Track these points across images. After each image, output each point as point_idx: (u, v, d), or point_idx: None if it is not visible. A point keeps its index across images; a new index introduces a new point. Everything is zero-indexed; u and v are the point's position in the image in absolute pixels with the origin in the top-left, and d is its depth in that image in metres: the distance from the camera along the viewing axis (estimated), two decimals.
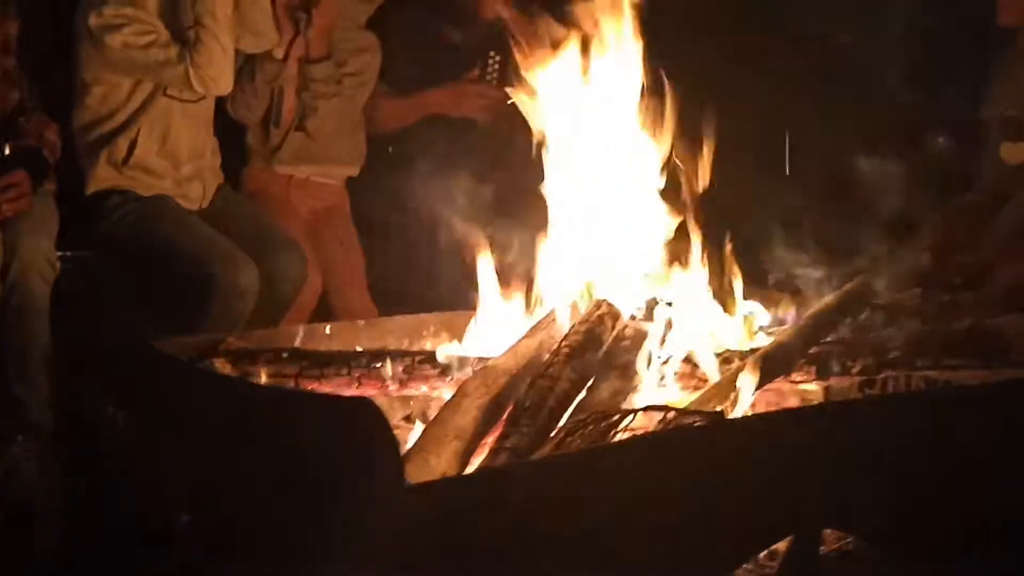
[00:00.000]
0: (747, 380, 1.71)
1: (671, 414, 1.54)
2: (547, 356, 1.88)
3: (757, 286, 2.34)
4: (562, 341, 1.89)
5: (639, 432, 1.67)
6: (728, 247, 2.27)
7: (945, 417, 1.72)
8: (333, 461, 1.25)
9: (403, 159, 3.47)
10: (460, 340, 2.26)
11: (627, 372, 1.85)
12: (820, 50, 3.60)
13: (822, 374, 1.94)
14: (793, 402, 1.99)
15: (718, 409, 1.64)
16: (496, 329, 2.16)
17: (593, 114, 2.18)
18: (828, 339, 2.00)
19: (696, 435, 1.51)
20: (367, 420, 1.23)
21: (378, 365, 1.97)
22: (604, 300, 1.94)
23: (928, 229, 3.44)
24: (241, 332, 2.64)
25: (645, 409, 1.60)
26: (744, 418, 1.67)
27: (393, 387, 1.97)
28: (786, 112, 3.51)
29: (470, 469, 1.73)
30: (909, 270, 2.23)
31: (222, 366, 1.94)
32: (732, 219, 2.37)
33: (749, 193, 2.92)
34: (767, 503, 1.53)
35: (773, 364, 1.81)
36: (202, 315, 3.01)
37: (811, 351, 1.96)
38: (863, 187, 3.03)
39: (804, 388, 1.96)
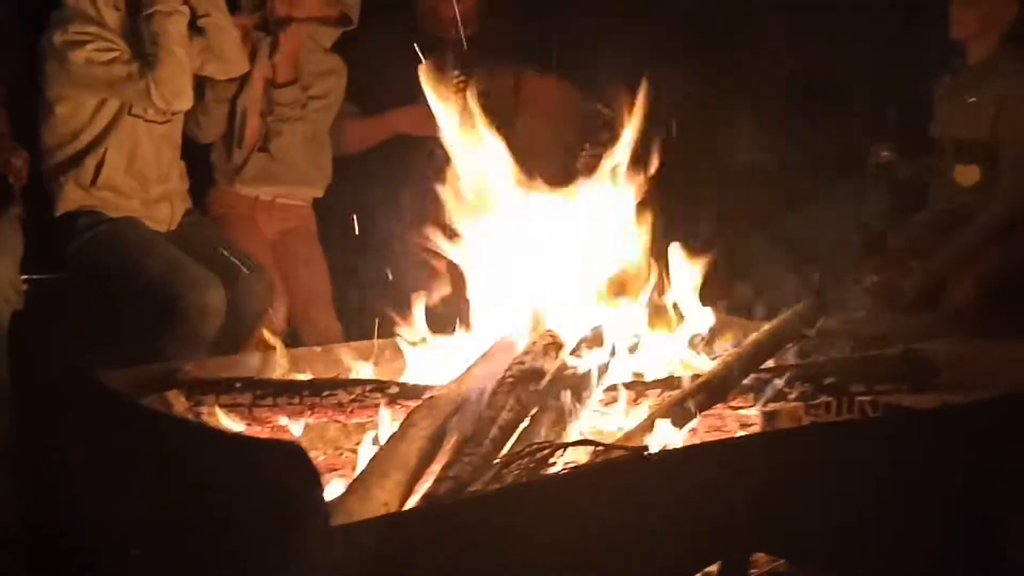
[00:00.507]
0: (680, 411, 1.77)
1: (599, 448, 1.60)
2: (492, 386, 1.95)
3: (711, 308, 2.40)
4: (506, 371, 1.95)
5: (575, 463, 1.74)
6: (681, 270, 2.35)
7: (869, 443, 1.78)
8: (257, 504, 1.30)
9: (364, 179, 3.54)
10: (417, 365, 2.32)
11: (569, 402, 1.91)
12: (772, 69, 3.65)
13: (760, 400, 2.01)
14: (733, 427, 2.06)
15: (643, 442, 1.70)
16: (450, 356, 2.21)
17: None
18: (767, 365, 2.06)
19: (623, 468, 1.56)
20: (289, 464, 1.27)
21: (327, 394, 2.02)
22: (548, 331, 2.00)
23: (882, 249, 3.53)
24: (202, 357, 2.72)
25: (576, 443, 1.66)
26: (665, 451, 1.72)
27: (343, 416, 2.03)
28: (738, 129, 3.56)
29: (414, 498, 1.79)
30: (855, 294, 2.29)
31: (175, 397, 1.99)
32: (683, 240, 2.44)
33: (701, 213, 2.98)
34: (695, 530, 1.59)
35: (710, 392, 1.87)
36: (169, 336, 3.05)
37: (750, 377, 2.02)
38: (817, 206, 3.11)
39: (744, 413, 2.03)
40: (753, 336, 2.06)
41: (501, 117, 3.10)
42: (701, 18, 3.63)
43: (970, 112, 3.64)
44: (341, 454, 2.22)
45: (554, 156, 3.39)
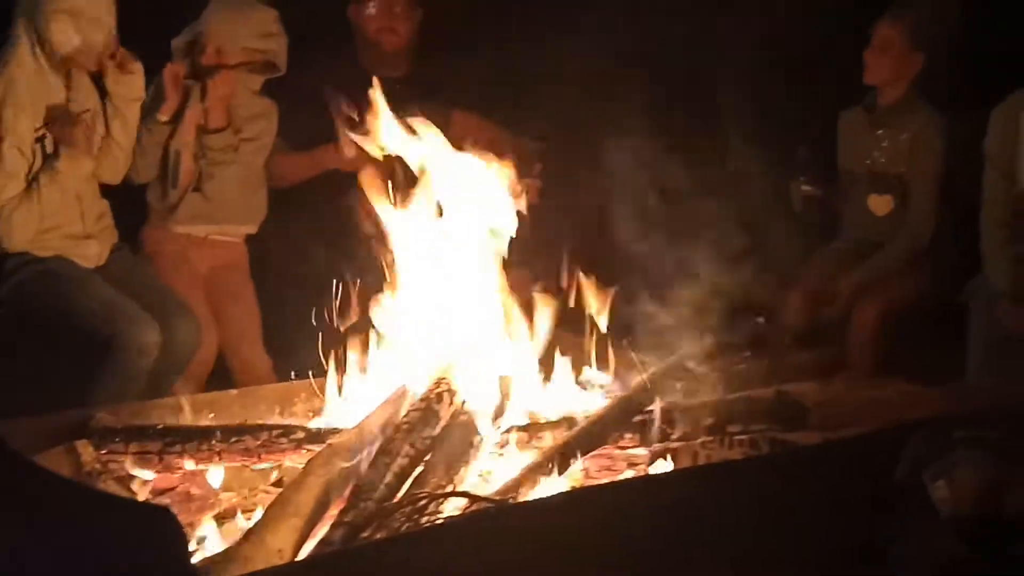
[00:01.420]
0: (560, 457, 1.89)
1: (467, 500, 1.70)
2: (389, 432, 2.05)
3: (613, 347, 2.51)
4: (403, 418, 2.06)
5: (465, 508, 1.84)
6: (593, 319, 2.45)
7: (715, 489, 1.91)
8: (121, 568, 1.36)
9: (297, 214, 3.63)
10: (329, 408, 2.42)
11: (462, 447, 2.02)
12: (683, 97, 3.76)
13: (645, 440, 2.12)
14: (621, 467, 2.18)
15: (523, 489, 1.80)
16: (360, 400, 2.31)
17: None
18: (651, 407, 2.18)
19: (486, 518, 1.67)
20: (155, 526, 1.34)
21: (235, 440, 2.11)
22: (443, 377, 2.10)
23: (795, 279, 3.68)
24: (136, 396, 2.79)
25: (447, 495, 1.77)
26: (528, 502, 1.82)
27: (251, 461, 2.12)
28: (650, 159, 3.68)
29: (311, 544, 1.88)
30: (743, 334, 2.41)
31: (83, 447, 2.07)
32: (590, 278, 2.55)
33: (605, 248, 3.09)
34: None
35: (590, 438, 1.99)
36: (104, 373, 3.12)
37: (637, 419, 2.14)
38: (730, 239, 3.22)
39: (632, 452, 2.14)
40: (637, 379, 2.18)
41: None
42: (632, 57, 3.75)
43: (885, 147, 3.84)
44: (256, 495, 2.31)
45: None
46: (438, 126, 3.67)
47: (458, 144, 3.67)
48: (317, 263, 3.26)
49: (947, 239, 3.74)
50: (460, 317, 2.22)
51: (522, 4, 3.93)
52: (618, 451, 2.14)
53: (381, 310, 2.30)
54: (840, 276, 3.73)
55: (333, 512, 1.95)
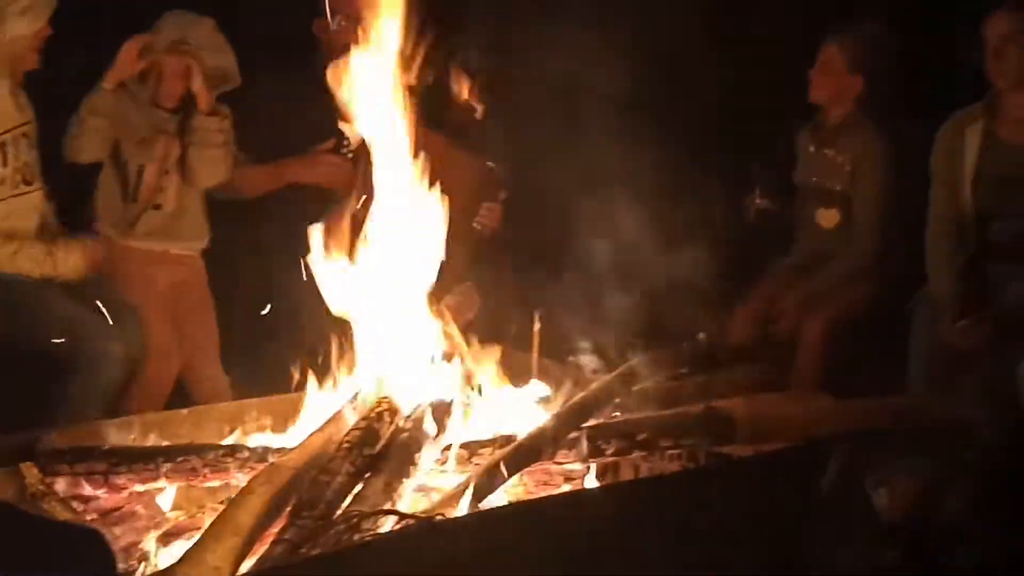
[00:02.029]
0: (495, 473, 1.95)
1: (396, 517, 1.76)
2: (330, 451, 2.11)
3: (557, 363, 2.58)
4: (344, 437, 2.11)
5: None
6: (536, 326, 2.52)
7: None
8: None
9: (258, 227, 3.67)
10: (280, 426, 2.47)
11: (402, 465, 2.08)
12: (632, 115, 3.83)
13: (580, 456, 2.19)
14: (559, 481, 2.24)
15: (458, 506, 1.86)
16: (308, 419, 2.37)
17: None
18: (589, 423, 2.24)
19: (413, 534, 1.73)
20: (84, 547, 1.39)
21: (180, 459, 2.16)
22: (385, 396, 2.16)
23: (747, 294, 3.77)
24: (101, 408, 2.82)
25: (377, 513, 1.83)
26: (451, 517, 1.88)
27: (197, 481, 2.17)
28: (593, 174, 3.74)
29: (250, 562, 1.94)
30: (683, 351, 2.48)
31: (27, 470, 2.11)
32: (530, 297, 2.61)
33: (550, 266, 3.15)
34: None
35: (525, 454, 2.05)
36: (70, 390, 3.15)
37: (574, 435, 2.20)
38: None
39: (569, 468, 2.21)
40: (576, 397, 2.24)
41: None
42: (583, 80, 3.81)
43: (830, 164, 3.94)
44: (204, 513, 2.36)
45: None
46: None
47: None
48: (271, 280, 3.31)
49: (894, 252, 3.85)
50: (403, 336, 2.29)
51: (489, 22, 3.99)
52: (555, 466, 2.21)
53: (329, 329, 2.36)
54: (789, 291, 3.83)
55: (274, 530, 2.01)
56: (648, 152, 3.47)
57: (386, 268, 2.29)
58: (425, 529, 1.72)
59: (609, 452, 2.18)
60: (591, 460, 2.18)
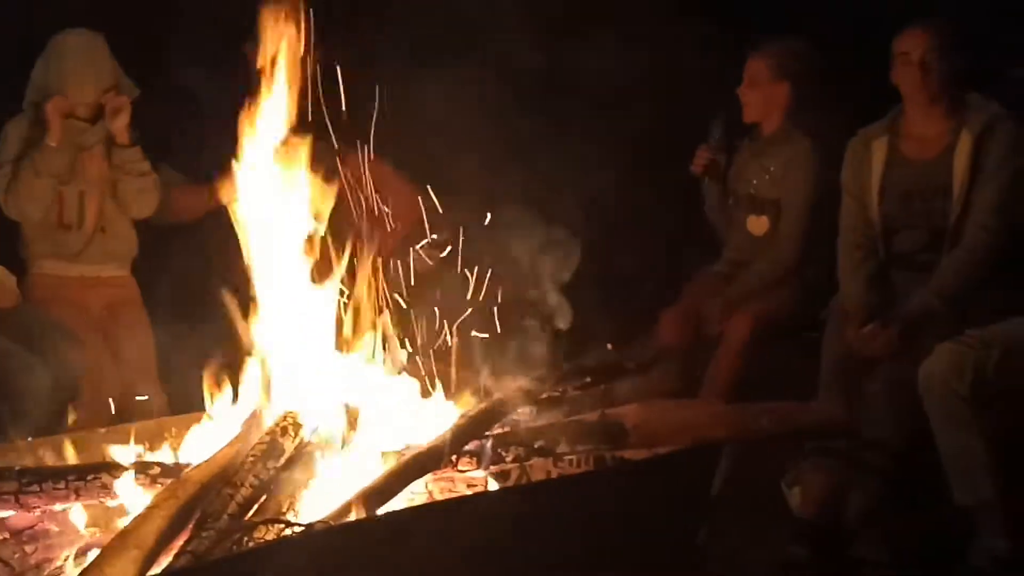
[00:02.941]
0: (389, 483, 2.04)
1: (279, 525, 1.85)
2: (236, 464, 2.18)
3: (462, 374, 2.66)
4: (249, 451, 2.19)
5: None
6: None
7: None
8: None
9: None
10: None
11: (304, 476, 2.16)
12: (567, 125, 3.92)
13: (481, 463, 2.28)
14: (462, 488, 2.33)
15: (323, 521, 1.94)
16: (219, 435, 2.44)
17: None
18: (490, 432, 2.34)
19: (288, 544, 1.82)
20: None
21: (92, 477, 2.23)
22: (290, 411, 2.24)
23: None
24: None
25: (262, 522, 1.91)
26: (328, 524, 1.97)
27: (109, 498, 2.23)
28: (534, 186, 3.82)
29: (153, 573, 2.00)
30: (591, 361, 2.58)
31: None
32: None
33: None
34: None
35: (424, 463, 2.14)
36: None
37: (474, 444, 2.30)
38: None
39: (470, 475, 2.30)
40: (477, 408, 2.34)
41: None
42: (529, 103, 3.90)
43: (763, 174, 4.08)
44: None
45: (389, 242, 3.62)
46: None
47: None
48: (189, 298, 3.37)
49: (818, 261, 3.98)
50: (310, 354, 2.37)
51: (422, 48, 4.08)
52: (457, 473, 2.30)
53: (241, 348, 2.44)
54: (715, 296, 3.95)
55: (179, 543, 2.08)
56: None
57: (294, 288, 2.38)
58: (303, 536, 1.81)
59: (509, 459, 2.28)
60: (492, 467, 2.28)
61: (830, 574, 3.09)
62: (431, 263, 3.49)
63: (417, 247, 3.65)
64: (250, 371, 2.45)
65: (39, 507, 2.20)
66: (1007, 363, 3.19)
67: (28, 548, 2.15)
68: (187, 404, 2.96)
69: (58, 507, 2.23)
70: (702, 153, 4.12)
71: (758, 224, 4.12)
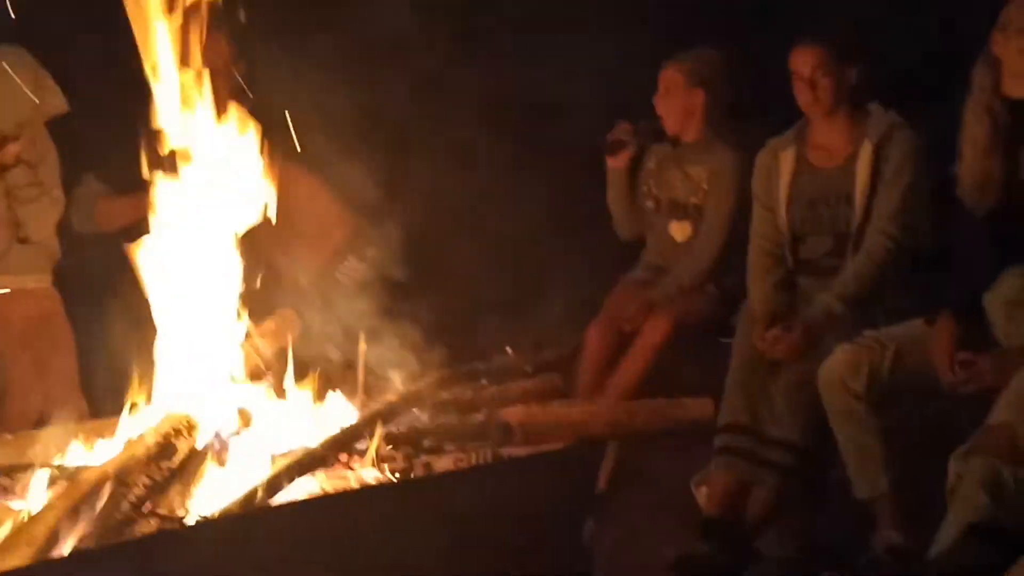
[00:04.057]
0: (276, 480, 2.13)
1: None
2: (131, 465, 2.27)
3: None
4: (143, 452, 2.28)
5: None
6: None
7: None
8: None
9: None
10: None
11: (195, 475, 2.25)
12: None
13: (372, 461, 2.38)
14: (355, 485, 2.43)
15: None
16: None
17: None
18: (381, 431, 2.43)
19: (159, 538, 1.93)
20: None
21: None
22: (183, 414, 2.34)
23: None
24: None
25: (147, 516, 2.00)
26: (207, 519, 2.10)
27: (8, 500, 2.31)
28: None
29: None
30: (489, 364, 2.69)
31: None
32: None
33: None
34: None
35: (310, 461, 2.24)
36: None
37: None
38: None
39: (362, 473, 2.40)
40: (370, 409, 2.44)
41: None
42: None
43: (687, 180, 4.20)
44: None
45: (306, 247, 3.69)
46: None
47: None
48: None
49: (733, 268, 4.10)
50: (208, 359, 2.47)
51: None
52: (350, 472, 2.39)
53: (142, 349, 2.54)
54: (635, 300, 4.07)
55: (74, 537, 2.16)
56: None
57: (191, 295, 2.47)
58: (175, 530, 1.91)
59: (399, 457, 2.38)
60: (382, 465, 2.38)
61: (731, 568, 3.21)
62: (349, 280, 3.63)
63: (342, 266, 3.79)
64: (154, 378, 2.54)
65: None
66: (901, 363, 3.33)
67: None
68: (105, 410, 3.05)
69: None
70: (624, 127, 4.20)
71: (680, 230, 4.24)
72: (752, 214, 3.93)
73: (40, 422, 3.50)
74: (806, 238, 3.83)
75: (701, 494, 3.55)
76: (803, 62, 3.76)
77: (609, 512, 2.64)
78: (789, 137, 3.90)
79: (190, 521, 2.04)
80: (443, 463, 2.46)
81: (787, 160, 3.86)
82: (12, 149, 3.53)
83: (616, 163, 4.21)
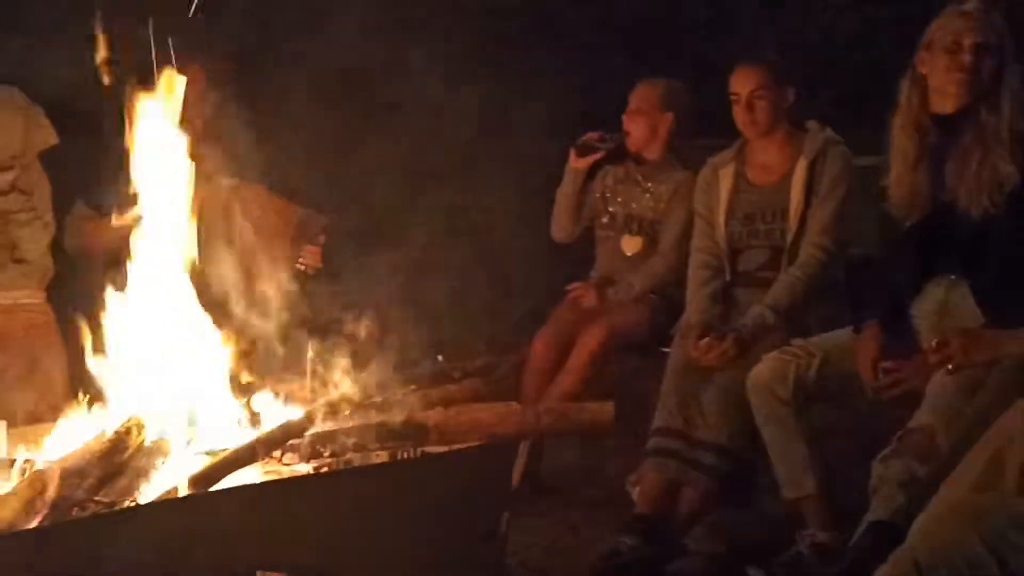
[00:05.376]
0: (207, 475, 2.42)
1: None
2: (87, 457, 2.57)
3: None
4: (97, 448, 2.57)
5: None
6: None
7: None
8: None
9: None
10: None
11: (143, 469, 2.54)
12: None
13: (304, 457, 2.66)
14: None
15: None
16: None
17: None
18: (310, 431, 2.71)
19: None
20: None
21: None
22: (134, 415, 2.62)
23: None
24: None
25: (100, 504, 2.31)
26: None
27: None
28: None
29: None
30: (420, 370, 2.95)
31: None
32: None
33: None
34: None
35: (243, 456, 2.51)
36: None
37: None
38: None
39: (294, 468, 2.67)
40: (304, 409, 2.71)
41: (215, 224, 3.74)
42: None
43: (647, 197, 4.44)
44: None
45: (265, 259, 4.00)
46: (223, 199, 4.22)
47: (241, 214, 4.24)
48: None
49: (678, 281, 4.33)
50: (163, 362, 2.76)
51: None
52: (284, 466, 2.67)
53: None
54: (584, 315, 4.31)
55: (33, 523, 2.46)
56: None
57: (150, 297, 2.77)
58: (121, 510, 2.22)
59: (326, 454, 2.65)
60: (311, 460, 2.66)
61: (655, 561, 3.44)
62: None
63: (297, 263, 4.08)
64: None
65: None
66: (827, 369, 3.54)
67: None
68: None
69: None
70: (593, 136, 4.43)
71: (631, 243, 4.49)
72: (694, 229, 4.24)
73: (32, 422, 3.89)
74: (744, 251, 4.09)
75: (634, 494, 3.80)
76: (742, 83, 4.01)
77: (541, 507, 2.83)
78: (728, 155, 4.15)
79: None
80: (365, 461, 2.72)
81: (726, 177, 4.11)
82: (6, 178, 3.89)
83: (580, 164, 4.46)
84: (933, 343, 3.04)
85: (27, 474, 2.65)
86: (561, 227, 4.53)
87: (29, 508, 2.44)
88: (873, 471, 3.13)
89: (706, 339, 3.77)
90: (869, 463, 3.09)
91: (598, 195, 4.51)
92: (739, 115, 3.98)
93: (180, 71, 3.81)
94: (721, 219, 4.04)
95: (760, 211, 4.00)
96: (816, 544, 3.45)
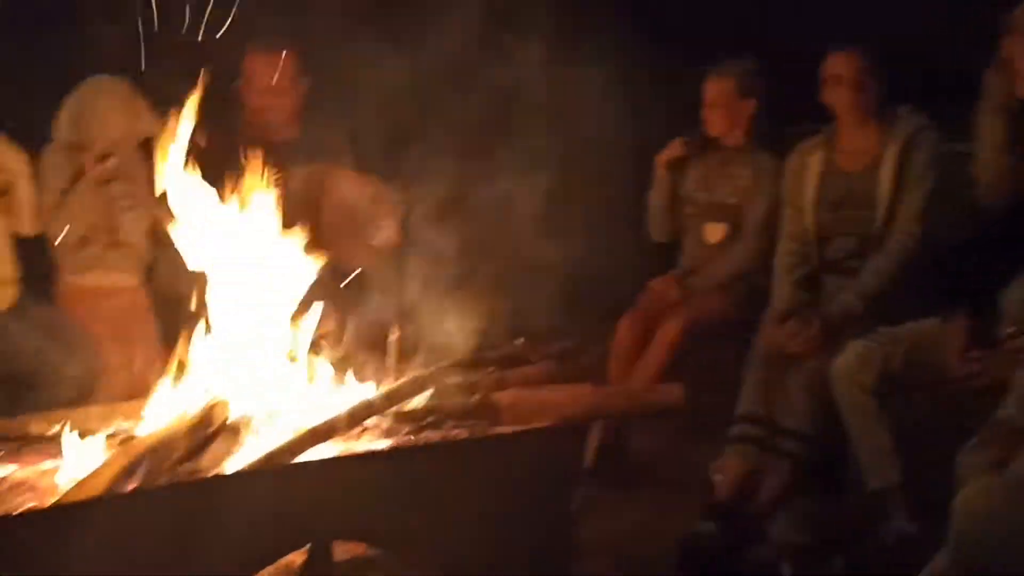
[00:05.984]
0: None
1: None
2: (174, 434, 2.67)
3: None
4: (185, 424, 2.68)
5: None
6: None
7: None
8: None
9: None
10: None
11: (227, 444, 2.64)
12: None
13: (386, 434, 2.71)
14: None
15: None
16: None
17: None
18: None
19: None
20: None
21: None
22: (219, 394, 2.71)
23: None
24: None
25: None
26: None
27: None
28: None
29: None
30: (499, 352, 2.98)
31: None
32: None
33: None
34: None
35: (320, 434, 2.58)
36: (35, 400, 3.77)
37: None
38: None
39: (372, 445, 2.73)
40: (384, 390, 2.77)
41: (308, 209, 3.85)
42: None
43: (729, 183, 4.39)
44: None
45: (355, 241, 4.09)
46: (316, 184, 4.33)
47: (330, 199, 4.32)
48: None
49: (764, 268, 4.26)
50: (250, 342, 2.85)
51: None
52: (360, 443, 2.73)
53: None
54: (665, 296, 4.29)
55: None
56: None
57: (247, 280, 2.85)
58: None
59: (404, 432, 2.71)
60: (390, 438, 2.71)
61: (734, 549, 3.40)
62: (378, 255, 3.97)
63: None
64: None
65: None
66: (913, 358, 3.46)
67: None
68: None
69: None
70: (679, 144, 4.46)
71: (715, 231, 4.45)
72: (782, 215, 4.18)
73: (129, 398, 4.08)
74: (832, 239, 4.02)
75: (717, 481, 3.77)
76: (846, 66, 3.91)
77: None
78: (817, 141, 4.07)
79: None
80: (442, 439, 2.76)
81: (815, 163, 4.04)
82: (109, 165, 4.07)
83: (665, 173, 4.45)
84: (1010, 330, 2.93)
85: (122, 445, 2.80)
86: (658, 227, 4.54)
87: (122, 475, 2.57)
88: (959, 462, 3.06)
89: (790, 324, 3.72)
90: (955, 454, 3.02)
91: (688, 189, 4.50)
92: (839, 99, 3.89)
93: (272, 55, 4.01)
94: (809, 206, 3.98)
95: (849, 198, 3.93)
96: (902, 536, 3.39)
